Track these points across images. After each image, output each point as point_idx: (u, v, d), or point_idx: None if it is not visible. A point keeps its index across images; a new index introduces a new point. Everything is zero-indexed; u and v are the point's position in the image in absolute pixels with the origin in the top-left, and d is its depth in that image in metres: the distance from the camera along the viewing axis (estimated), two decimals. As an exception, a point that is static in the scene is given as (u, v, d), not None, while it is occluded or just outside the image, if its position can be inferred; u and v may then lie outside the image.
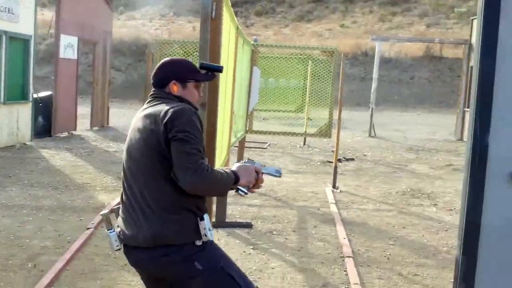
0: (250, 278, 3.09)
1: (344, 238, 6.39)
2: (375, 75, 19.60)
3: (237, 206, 7.67)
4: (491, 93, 3.53)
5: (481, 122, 3.53)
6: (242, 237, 6.40)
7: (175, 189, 2.58)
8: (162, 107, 2.66)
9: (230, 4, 5.51)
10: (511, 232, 3.63)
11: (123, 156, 2.80)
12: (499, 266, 3.66)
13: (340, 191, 9.11)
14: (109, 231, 2.77)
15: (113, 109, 19.97)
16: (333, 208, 7.83)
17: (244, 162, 2.82)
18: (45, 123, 14.38)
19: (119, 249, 2.77)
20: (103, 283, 4.90)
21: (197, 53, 13.23)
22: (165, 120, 2.57)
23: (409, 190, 9.45)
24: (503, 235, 3.64)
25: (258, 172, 2.77)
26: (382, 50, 23.07)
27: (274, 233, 6.64)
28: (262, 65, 13.25)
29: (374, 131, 18.30)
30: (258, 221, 7.01)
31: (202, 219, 2.63)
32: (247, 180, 2.72)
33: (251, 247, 6.05)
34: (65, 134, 14.88)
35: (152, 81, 2.84)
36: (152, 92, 2.84)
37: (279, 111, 15.84)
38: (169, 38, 26.69)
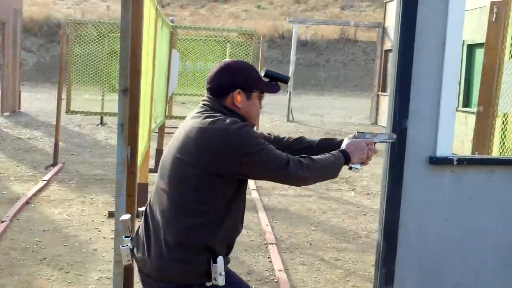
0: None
1: (267, 225, 6.44)
2: (292, 58, 19.72)
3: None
4: (409, 78, 3.61)
5: (400, 106, 3.62)
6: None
7: (196, 224, 2.34)
8: (213, 125, 2.34)
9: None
10: (429, 216, 3.77)
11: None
12: (419, 249, 3.79)
13: (261, 176, 9.14)
14: (125, 239, 2.52)
15: (25, 93, 19.18)
16: (255, 195, 7.87)
17: (354, 137, 2.69)
18: (-49, 108, 13.64)
19: (129, 263, 2.55)
20: (21, 278, 4.71)
21: (112, 34, 12.94)
22: (224, 143, 2.30)
23: (328, 174, 9.61)
24: (422, 219, 3.76)
25: (369, 144, 2.64)
26: (299, 33, 23.29)
27: (197, 221, 6.58)
28: (180, 47, 13.06)
29: (292, 116, 18.49)
30: (180, 209, 6.93)
31: (215, 261, 2.35)
32: (359, 157, 2.60)
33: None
34: (-27, 119, 14.19)
35: (208, 86, 2.47)
36: (205, 99, 2.48)
37: (197, 95, 15.66)
38: (83, 18, 25.86)
